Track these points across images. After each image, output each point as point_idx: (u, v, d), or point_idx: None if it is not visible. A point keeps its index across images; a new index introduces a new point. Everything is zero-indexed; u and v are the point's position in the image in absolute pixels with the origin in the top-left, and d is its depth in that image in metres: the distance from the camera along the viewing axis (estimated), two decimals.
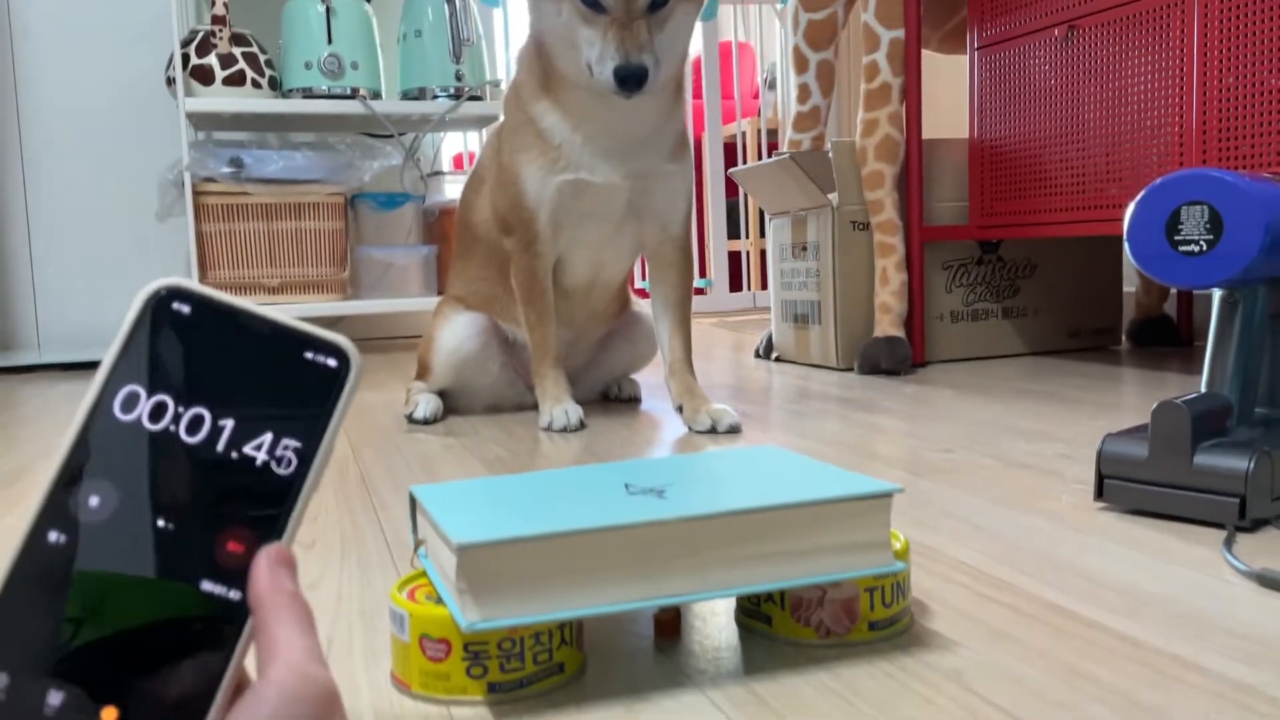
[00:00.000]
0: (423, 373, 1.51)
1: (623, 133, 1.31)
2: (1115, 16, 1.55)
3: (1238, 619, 0.60)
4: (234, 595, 0.33)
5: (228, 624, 0.33)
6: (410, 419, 1.45)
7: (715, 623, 0.63)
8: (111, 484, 0.33)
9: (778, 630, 0.59)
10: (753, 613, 0.60)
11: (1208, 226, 0.80)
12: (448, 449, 1.26)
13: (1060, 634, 0.59)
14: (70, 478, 0.33)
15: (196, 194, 2.33)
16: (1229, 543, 0.73)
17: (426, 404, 1.46)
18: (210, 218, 2.37)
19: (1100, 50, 1.59)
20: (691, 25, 1.29)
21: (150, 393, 0.34)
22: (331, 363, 0.35)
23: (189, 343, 0.34)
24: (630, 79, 1.18)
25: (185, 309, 0.35)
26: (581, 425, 1.34)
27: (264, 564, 0.33)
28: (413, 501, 0.62)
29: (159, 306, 0.34)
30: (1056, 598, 0.65)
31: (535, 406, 1.43)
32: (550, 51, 1.29)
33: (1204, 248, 0.80)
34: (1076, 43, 1.62)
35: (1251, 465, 0.77)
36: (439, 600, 0.54)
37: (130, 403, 0.34)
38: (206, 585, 0.33)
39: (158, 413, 0.34)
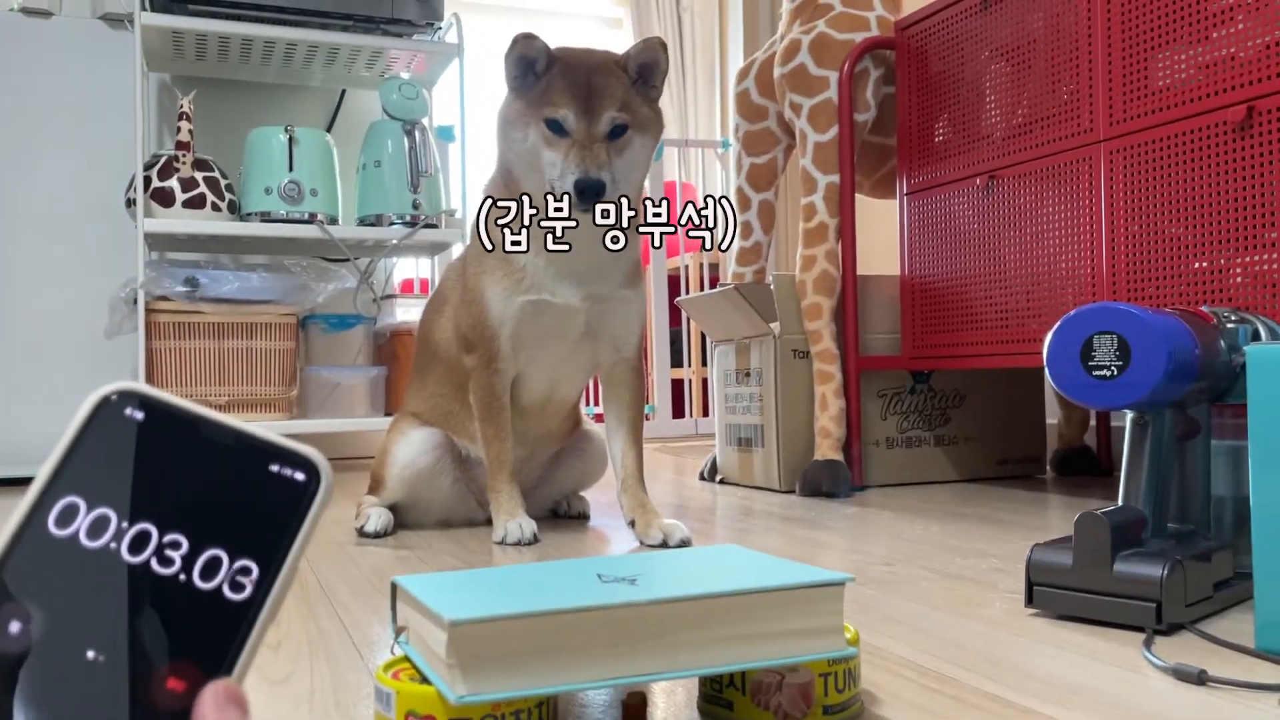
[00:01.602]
0: (375, 487, 1.53)
1: (582, 258, 1.39)
2: (1030, 169, 1.70)
3: (1157, 705, 0.66)
4: None
5: None
6: (361, 532, 1.47)
7: (679, 709, 0.66)
8: (37, 608, 0.29)
9: (739, 715, 0.63)
10: (715, 699, 0.64)
11: (1118, 354, 0.89)
12: (402, 560, 1.27)
13: (1000, 719, 0.64)
14: None
15: (149, 311, 2.36)
16: (1148, 643, 0.79)
17: (378, 518, 1.48)
18: (161, 335, 2.39)
19: (1018, 198, 1.73)
20: (648, 158, 1.39)
21: (91, 506, 0.30)
22: (299, 477, 0.32)
23: (139, 452, 0.31)
24: (589, 190, 1.27)
25: (138, 415, 0.31)
26: (535, 539, 1.37)
27: (209, 703, 0.28)
28: (394, 591, 0.65)
29: (109, 411, 0.31)
30: (995, 689, 0.70)
31: (486, 522, 1.46)
32: (516, 176, 1.38)
33: (1115, 373, 0.89)
34: (996, 191, 1.77)
35: (1165, 573, 0.84)
36: (423, 681, 0.57)
37: (68, 516, 0.30)
38: None
39: (97, 528, 0.30)
